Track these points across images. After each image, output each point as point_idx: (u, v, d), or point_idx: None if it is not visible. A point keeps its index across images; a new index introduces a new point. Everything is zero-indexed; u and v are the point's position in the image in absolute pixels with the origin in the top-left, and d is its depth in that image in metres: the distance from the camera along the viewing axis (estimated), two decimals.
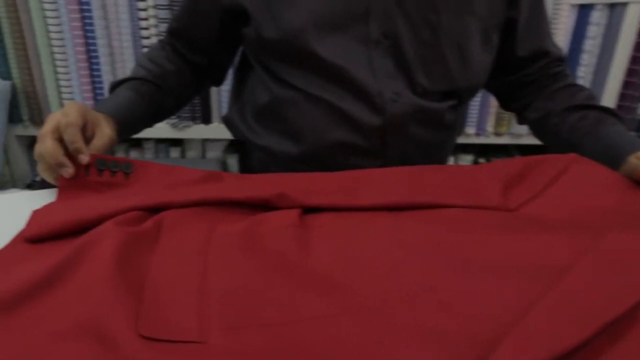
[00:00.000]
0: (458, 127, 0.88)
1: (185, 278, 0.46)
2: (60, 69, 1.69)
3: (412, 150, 0.79)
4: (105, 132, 0.70)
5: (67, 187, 0.64)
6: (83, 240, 0.50)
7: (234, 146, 1.90)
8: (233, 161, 1.88)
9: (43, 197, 0.68)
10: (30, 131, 1.84)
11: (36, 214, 0.59)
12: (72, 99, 1.74)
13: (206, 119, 1.77)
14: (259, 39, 0.77)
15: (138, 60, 0.91)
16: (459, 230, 0.55)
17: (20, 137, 1.88)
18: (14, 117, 1.79)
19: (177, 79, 0.88)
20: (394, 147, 0.77)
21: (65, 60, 1.68)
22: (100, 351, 0.38)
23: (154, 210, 0.58)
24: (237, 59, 0.94)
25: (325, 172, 0.67)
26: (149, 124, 0.88)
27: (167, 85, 0.87)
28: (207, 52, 0.89)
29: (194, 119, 1.75)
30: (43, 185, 1.93)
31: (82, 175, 0.65)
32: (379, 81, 0.73)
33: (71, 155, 0.65)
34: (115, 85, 0.85)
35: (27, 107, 1.77)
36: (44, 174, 0.67)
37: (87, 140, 0.68)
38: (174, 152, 1.88)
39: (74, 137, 0.64)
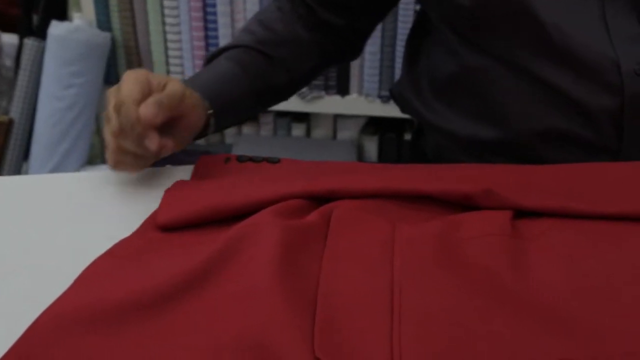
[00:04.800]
0: None
1: (368, 292, 0.47)
2: (169, 19, 1.75)
3: None
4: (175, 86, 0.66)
5: (201, 165, 0.67)
6: (236, 233, 0.52)
7: (374, 125, 1.90)
8: (372, 146, 1.88)
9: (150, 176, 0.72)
10: None
11: (169, 196, 0.61)
12: (180, 56, 1.81)
13: (343, 89, 1.79)
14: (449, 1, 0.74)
15: (246, 24, 0.89)
16: None
17: None
18: (110, 77, 1.86)
19: (293, 48, 0.86)
20: (634, 139, 0.73)
21: (175, 8, 1.75)
22: None
23: (317, 199, 0.59)
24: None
25: (546, 165, 0.66)
26: (255, 107, 0.87)
27: (278, 55, 0.85)
28: (350, 10, 0.87)
29: (326, 88, 1.77)
30: None
31: (220, 163, 0.70)
32: (616, 48, 0.71)
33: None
34: (211, 57, 0.84)
35: (126, 65, 1.85)
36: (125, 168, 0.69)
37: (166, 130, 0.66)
38: (298, 129, 1.91)
39: (127, 119, 0.63)
